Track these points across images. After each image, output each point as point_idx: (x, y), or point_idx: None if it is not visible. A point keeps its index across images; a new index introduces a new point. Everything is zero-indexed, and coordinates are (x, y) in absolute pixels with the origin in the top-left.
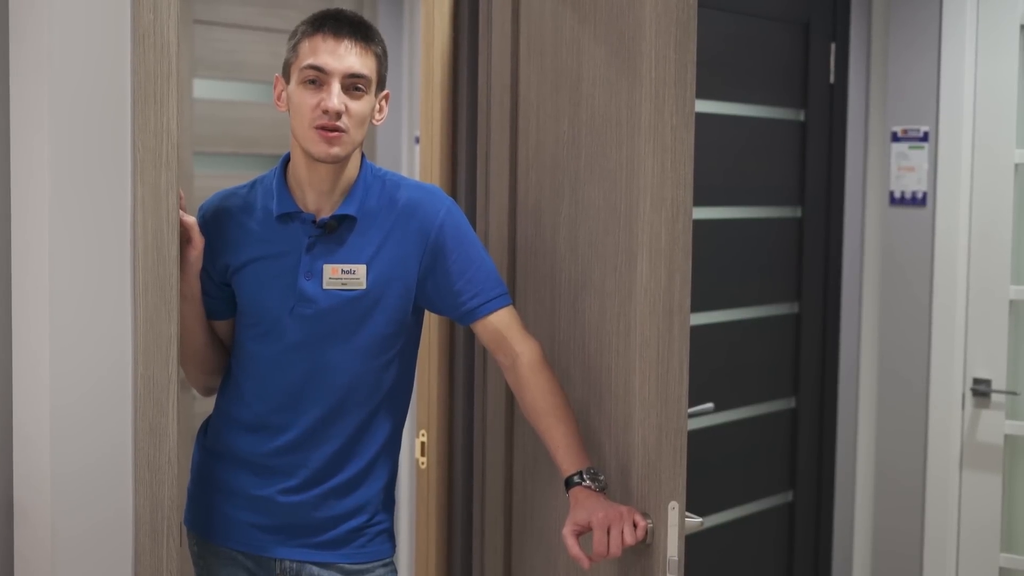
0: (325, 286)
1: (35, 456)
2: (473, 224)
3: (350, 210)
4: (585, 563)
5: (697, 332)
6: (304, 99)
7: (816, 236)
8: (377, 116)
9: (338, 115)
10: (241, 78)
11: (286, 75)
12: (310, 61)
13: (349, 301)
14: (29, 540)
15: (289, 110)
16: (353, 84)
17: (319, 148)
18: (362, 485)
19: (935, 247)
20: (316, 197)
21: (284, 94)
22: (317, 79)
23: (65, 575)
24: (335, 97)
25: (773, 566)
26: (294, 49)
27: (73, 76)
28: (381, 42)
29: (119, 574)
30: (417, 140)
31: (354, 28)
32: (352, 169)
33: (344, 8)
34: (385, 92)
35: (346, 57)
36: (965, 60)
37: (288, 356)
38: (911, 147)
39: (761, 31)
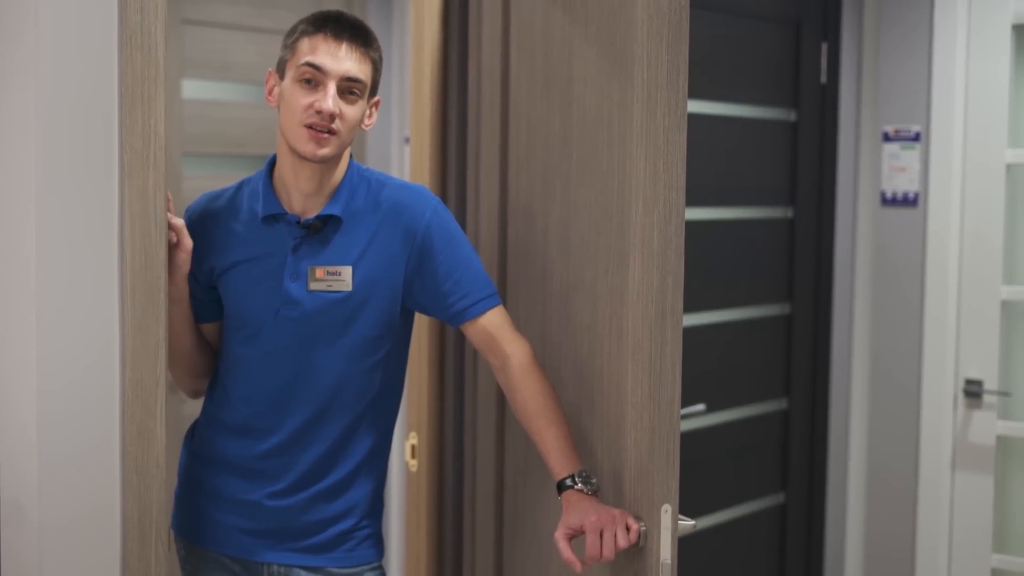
0: (310, 288)
1: (23, 460)
2: (463, 225)
3: (335, 211)
4: (578, 567)
5: (688, 333)
6: (298, 97)
7: (808, 236)
8: (367, 121)
9: (331, 117)
10: (231, 78)
11: (280, 71)
12: (309, 59)
13: (335, 303)
14: (16, 542)
15: (280, 106)
16: (349, 88)
17: (308, 147)
18: (350, 489)
19: (927, 247)
20: (302, 198)
21: (276, 90)
22: (313, 78)
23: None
24: (330, 99)
25: (765, 567)
26: (292, 46)
27: (60, 77)
28: (379, 48)
29: None
30: (407, 141)
31: (354, 32)
32: (339, 170)
33: (344, 11)
34: (376, 98)
35: (345, 60)
36: (957, 60)
37: (274, 359)
38: (903, 147)
39: (752, 31)
